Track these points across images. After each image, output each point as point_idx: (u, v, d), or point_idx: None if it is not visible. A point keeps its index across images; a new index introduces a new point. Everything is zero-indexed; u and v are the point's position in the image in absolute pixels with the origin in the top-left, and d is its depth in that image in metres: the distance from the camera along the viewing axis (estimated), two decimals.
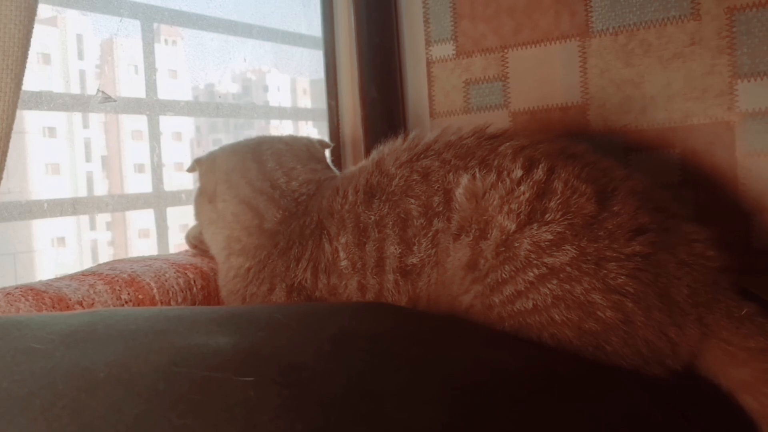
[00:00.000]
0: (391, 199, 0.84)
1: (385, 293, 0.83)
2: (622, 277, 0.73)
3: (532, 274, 0.74)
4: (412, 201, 0.83)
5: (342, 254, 0.86)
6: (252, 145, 1.03)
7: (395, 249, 0.83)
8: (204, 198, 1.01)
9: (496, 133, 0.86)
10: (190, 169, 1.05)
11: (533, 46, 1.21)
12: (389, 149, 0.90)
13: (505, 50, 1.24)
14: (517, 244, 0.75)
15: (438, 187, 0.82)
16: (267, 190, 0.97)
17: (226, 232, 0.97)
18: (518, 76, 1.23)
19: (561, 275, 0.73)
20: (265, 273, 0.92)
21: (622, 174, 0.82)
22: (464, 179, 0.80)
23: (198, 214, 1.04)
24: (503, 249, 0.76)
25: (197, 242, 1.08)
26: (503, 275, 0.76)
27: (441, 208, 0.81)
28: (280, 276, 0.90)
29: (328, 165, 1.06)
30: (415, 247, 0.82)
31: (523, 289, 0.75)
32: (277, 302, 0.91)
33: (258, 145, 1.02)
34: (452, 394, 0.55)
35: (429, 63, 1.32)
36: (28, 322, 0.60)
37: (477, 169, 0.80)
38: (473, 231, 0.78)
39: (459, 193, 0.80)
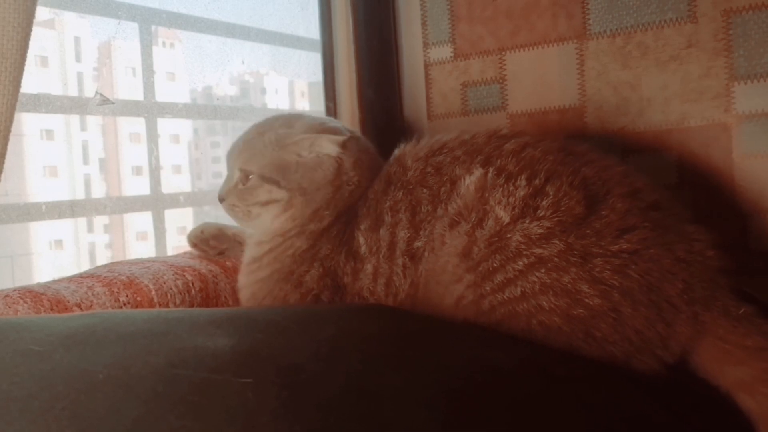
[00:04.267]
0: (406, 187, 0.88)
1: (394, 278, 0.86)
2: (608, 272, 0.75)
3: (521, 263, 0.77)
4: (425, 191, 0.87)
5: (362, 239, 0.89)
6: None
7: (405, 233, 0.86)
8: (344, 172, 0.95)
9: (507, 134, 0.90)
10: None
11: (531, 48, 1.21)
12: (411, 146, 0.93)
13: (503, 52, 1.24)
14: (509, 236, 0.79)
15: (446, 179, 0.86)
16: (374, 170, 0.97)
17: (315, 206, 0.94)
18: (516, 79, 1.23)
19: (549, 264, 0.76)
20: (310, 254, 0.93)
21: (620, 172, 0.84)
22: (478, 171, 0.84)
23: (315, 188, 0.95)
24: (496, 239, 0.79)
25: (198, 241, 1.09)
26: (494, 264, 0.79)
27: (446, 197, 0.85)
28: (321, 259, 0.92)
29: None
30: (422, 231, 0.85)
31: (512, 276, 0.77)
32: (272, 304, 0.92)
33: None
34: (447, 395, 0.56)
35: (427, 65, 1.32)
36: (27, 325, 0.60)
37: (491, 168, 0.83)
38: (472, 219, 0.81)
39: (470, 180, 0.83)
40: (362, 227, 0.90)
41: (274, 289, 0.93)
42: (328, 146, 0.94)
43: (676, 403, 0.71)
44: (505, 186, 0.81)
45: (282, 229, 0.95)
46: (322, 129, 0.97)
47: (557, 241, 0.77)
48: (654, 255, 0.77)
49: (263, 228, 0.97)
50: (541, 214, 0.78)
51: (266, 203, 0.95)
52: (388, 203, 0.89)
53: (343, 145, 0.94)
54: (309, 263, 0.92)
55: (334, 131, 0.96)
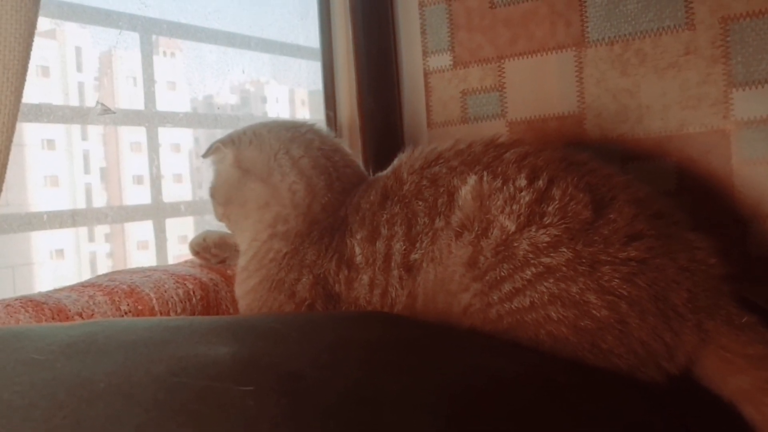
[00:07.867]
0: (403, 200, 0.87)
1: (390, 288, 0.86)
2: (616, 280, 0.74)
3: (529, 272, 0.76)
4: (420, 203, 0.86)
5: (357, 249, 0.88)
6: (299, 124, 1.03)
7: (401, 245, 0.85)
8: (251, 176, 0.97)
9: (505, 142, 0.89)
10: (210, 153, 1.00)
11: (529, 56, 1.22)
12: (407, 157, 0.93)
13: (502, 60, 1.25)
14: (516, 245, 0.78)
15: (443, 191, 0.85)
16: (328, 169, 0.97)
17: (277, 209, 0.96)
18: (515, 86, 1.24)
19: (557, 274, 0.75)
20: (296, 260, 0.93)
21: (623, 181, 0.84)
22: (472, 179, 0.83)
23: (238, 195, 0.98)
24: (503, 248, 0.78)
25: (200, 249, 1.09)
26: (502, 273, 0.78)
27: (444, 209, 0.84)
28: (309, 266, 0.91)
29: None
30: (418, 243, 0.84)
31: (520, 286, 0.77)
32: (274, 312, 0.92)
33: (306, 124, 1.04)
34: (448, 401, 0.56)
35: (426, 73, 1.33)
36: (28, 333, 0.60)
37: (485, 172, 0.83)
38: (476, 229, 0.80)
39: (466, 190, 0.83)
40: (358, 237, 0.89)
41: (268, 299, 0.93)
42: (220, 154, 0.98)
43: (679, 413, 0.71)
44: (505, 190, 0.80)
45: (251, 235, 0.97)
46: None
47: (565, 249, 0.76)
48: (660, 264, 0.76)
49: (239, 237, 1.00)
50: (547, 222, 0.77)
51: (223, 216, 1.01)
52: (384, 216, 0.88)
53: (237, 150, 0.97)
54: (298, 271, 0.92)
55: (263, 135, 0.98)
